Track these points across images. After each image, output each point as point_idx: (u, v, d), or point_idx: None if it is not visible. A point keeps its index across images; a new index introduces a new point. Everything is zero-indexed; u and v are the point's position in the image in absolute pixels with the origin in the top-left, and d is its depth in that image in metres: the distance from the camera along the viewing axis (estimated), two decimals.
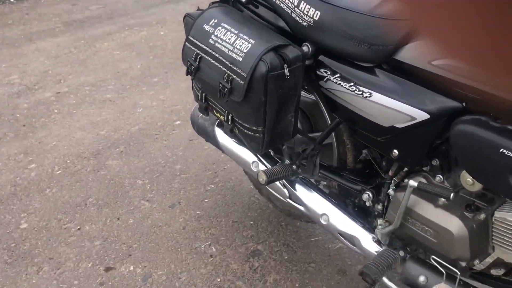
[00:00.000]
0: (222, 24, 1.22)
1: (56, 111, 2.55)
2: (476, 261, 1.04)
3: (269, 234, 1.68)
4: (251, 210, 1.80)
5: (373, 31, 1.04)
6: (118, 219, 1.76)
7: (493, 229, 0.99)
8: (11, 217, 1.77)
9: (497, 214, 0.98)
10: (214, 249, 1.62)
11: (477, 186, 0.97)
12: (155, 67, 3.12)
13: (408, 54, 0.99)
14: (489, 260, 1.10)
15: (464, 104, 0.92)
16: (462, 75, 0.89)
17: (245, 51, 1.13)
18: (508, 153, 0.83)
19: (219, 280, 1.49)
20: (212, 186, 1.94)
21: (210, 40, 1.22)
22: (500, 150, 0.84)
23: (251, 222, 1.74)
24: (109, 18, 4.07)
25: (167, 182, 1.96)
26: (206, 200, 1.85)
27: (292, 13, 1.17)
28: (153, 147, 2.22)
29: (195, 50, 1.26)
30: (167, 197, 1.88)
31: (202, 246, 1.63)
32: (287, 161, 1.35)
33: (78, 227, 1.72)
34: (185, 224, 1.73)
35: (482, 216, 0.99)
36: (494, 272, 1.09)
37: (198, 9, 1.36)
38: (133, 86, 2.85)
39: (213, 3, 1.42)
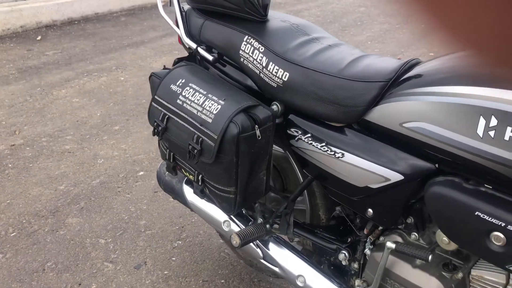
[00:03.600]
0: (190, 84, 1.20)
1: (10, 165, 2.41)
2: None
3: None
4: (221, 267, 1.73)
5: (342, 92, 1.04)
6: (80, 284, 1.64)
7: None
8: None
9: (474, 272, 0.98)
10: None
11: (453, 246, 0.97)
12: (116, 115, 3.05)
13: (379, 115, 1.00)
14: None
15: (436, 165, 0.93)
16: (433, 138, 0.90)
17: (214, 112, 1.12)
18: (484, 216, 0.84)
19: None
20: (180, 242, 1.87)
21: (178, 101, 1.19)
22: (476, 213, 0.85)
23: (222, 281, 1.67)
24: (67, 63, 3.98)
25: (131, 240, 1.87)
26: (174, 259, 1.77)
27: (261, 73, 1.17)
28: (115, 201, 2.13)
29: (162, 110, 1.23)
30: (132, 257, 1.78)
31: None
32: (260, 220, 1.31)
33: None
34: (152, 286, 1.64)
35: (460, 275, 0.99)
36: None
37: (164, 67, 1.34)
38: (93, 136, 2.76)
39: (178, 59, 1.41)
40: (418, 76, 0.97)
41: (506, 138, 0.78)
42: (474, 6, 0.25)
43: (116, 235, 1.89)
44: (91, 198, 2.15)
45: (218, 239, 1.84)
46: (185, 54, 1.43)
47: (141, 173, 2.36)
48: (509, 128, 0.78)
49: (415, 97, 0.93)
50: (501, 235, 0.82)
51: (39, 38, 4.65)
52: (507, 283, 0.93)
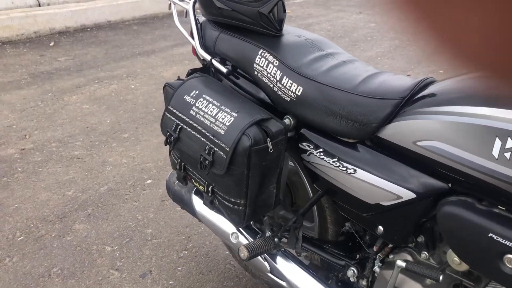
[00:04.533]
0: (204, 95, 1.20)
1: (19, 169, 2.43)
2: None
3: None
4: (227, 279, 1.73)
5: (356, 108, 1.05)
6: None
7: None
8: None
9: None
10: None
11: (464, 266, 0.96)
12: (126, 122, 3.07)
13: (392, 133, 1.00)
14: None
15: (450, 184, 0.93)
16: (447, 157, 0.89)
17: (227, 124, 1.12)
18: (498, 238, 0.83)
19: None
20: (186, 252, 1.86)
21: (191, 112, 1.20)
22: (489, 235, 0.84)
23: None
24: (78, 70, 4.02)
25: (137, 249, 1.87)
26: (180, 269, 1.77)
27: (274, 87, 1.17)
28: (122, 209, 2.13)
29: (175, 120, 1.24)
30: (138, 265, 1.78)
31: None
32: (268, 233, 1.31)
33: None
34: None
35: None
36: None
37: (178, 78, 1.35)
38: (102, 142, 2.78)
39: (192, 70, 1.42)
40: (432, 95, 0.97)
41: None
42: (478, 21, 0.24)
43: (122, 243, 1.90)
44: (99, 205, 2.15)
45: (225, 251, 1.83)
46: (198, 64, 1.45)
47: (149, 181, 2.37)
48: None
49: (430, 116, 0.93)
50: None
51: (52, 44, 4.71)
52: None
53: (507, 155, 0.80)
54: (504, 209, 0.87)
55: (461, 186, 0.91)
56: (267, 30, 1.23)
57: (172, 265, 1.78)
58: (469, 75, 0.94)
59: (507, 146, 0.79)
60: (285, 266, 1.27)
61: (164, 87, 1.32)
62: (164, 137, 1.29)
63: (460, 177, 0.89)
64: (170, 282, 1.70)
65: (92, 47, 4.68)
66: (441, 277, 0.95)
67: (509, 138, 0.79)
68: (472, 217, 0.87)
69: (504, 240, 0.82)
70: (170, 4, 1.49)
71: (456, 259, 0.96)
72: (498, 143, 0.81)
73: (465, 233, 0.89)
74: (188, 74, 1.41)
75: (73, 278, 1.70)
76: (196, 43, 1.38)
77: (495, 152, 0.81)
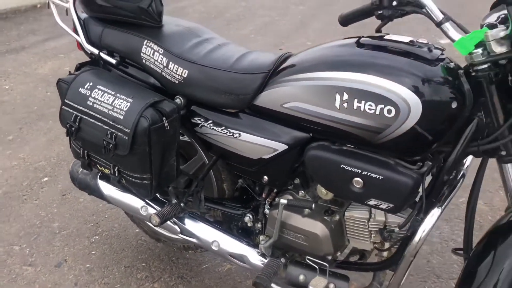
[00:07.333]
0: (98, 86, 1.33)
1: None
2: (338, 253, 1.33)
3: (163, 271, 1.79)
4: (140, 252, 1.88)
5: (233, 83, 1.27)
6: None
7: (346, 226, 1.29)
8: None
9: (347, 213, 1.27)
10: None
11: (330, 195, 1.26)
12: (7, 125, 2.95)
13: (264, 100, 1.24)
14: (347, 251, 1.40)
15: (310, 134, 1.20)
16: (306, 113, 1.16)
17: (125, 109, 1.27)
18: (347, 167, 1.13)
19: None
20: (97, 237, 1.96)
21: (88, 102, 1.32)
22: (341, 166, 1.13)
23: (143, 264, 1.82)
24: None
25: (47, 242, 1.92)
26: (93, 252, 1.88)
27: (163, 72, 1.35)
28: (23, 209, 2.14)
29: (74, 112, 1.34)
30: (51, 257, 1.84)
31: None
32: (174, 200, 1.50)
33: None
34: (76, 280, 1.73)
35: (337, 217, 1.28)
36: (352, 259, 1.40)
37: (70, 73, 1.44)
38: None
39: (80, 64, 1.52)
40: (291, 66, 1.23)
41: (355, 107, 1.07)
42: None
43: (30, 240, 1.93)
44: None
45: (134, 229, 1.97)
46: (75, 58, 1.55)
47: (45, 179, 2.38)
48: (355, 100, 1.07)
49: (290, 83, 1.18)
50: (360, 179, 1.12)
51: None
52: (370, 217, 1.23)
53: (345, 105, 1.08)
54: (352, 146, 1.16)
55: (319, 134, 1.19)
56: (148, 22, 1.39)
57: (85, 251, 1.88)
58: (319, 46, 1.22)
59: (343, 99, 1.08)
60: (192, 225, 1.48)
61: (57, 82, 1.41)
62: (51, 133, 1.39)
63: (317, 127, 1.16)
64: (87, 266, 1.80)
65: None
66: (313, 206, 1.24)
67: (344, 93, 1.08)
68: (328, 155, 1.16)
69: (351, 168, 1.12)
70: (48, 3, 1.55)
71: (323, 190, 1.25)
72: (338, 97, 1.09)
73: (326, 169, 1.17)
74: (77, 69, 1.50)
75: None
76: (81, 38, 1.48)
77: (337, 104, 1.09)
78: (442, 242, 1.89)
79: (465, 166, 1.21)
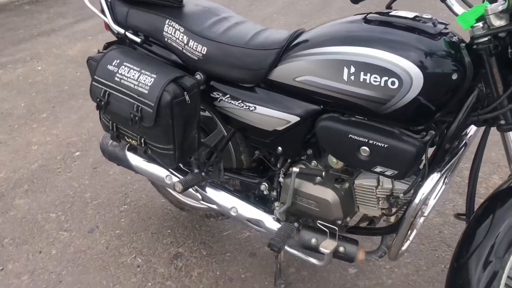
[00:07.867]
0: (124, 63, 1.43)
1: None
2: (348, 219, 1.41)
3: (187, 237, 1.92)
4: (166, 220, 2.01)
5: (249, 59, 1.35)
6: (40, 252, 1.84)
7: (356, 193, 1.37)
8: None
9: (356, 181, 1.36)
10: (140, 260, 1.80)
11: (340, 164, 1.34)
12: (41, 103, 3.13)
13: (278, 74, 1.32)
14: (356, 218, 1.49)
15: (321, 106, 1.28)
16: (316, 86, 1.24)
17: (149, 84, 1.37)
18: (354, 137, 1.20)
19: (150, 284, 1.69)
20: (126, 206, 2.11)
21: (116, 78, 1.43)
22: (349, 136, 1.21)
23: (169, 231, 1.95)
24: None
25: (80, 211, 2.08)
26: (123, 220, 2.02)
27: (183, 49, 1.44)
28: (58, 180, 2.30)
29: (103, 87, 1.46)
30: (84, 223, 2.00)
31: (128, 260, 1.80)
32: (196, 170, 1.61)
33: (1, 267, 1.76)
34: (107, 244, 1.88)
35: (347, 185, 1.36)
36: (361, 225, 1.49)
37: (99, 52, 1.55)
38: (22, 125, 2.84)
39: (108, 44, 1.63)
40: (303, 42, 1.30)
41: (361, 80, 1.14)
42: None
43: (65, 208, 2.09)
44: (33, 180, 2.29)
45: (160, 199, 2.11)
46: (102, 39, 1.66)
47: (77, 153, 2.53)
48: (362, 73, 1.14)
49: (302, 58, 1.26)
50: (366, 148, 1.19)
51: None
52: (378, 184, 1.31)
53: (352, 78, 1.15)
54: (361, 118, 1.24)
55: (329, 106, 1.27)
56: (170, 3, 1.48)
57: (115, 219, 2.03)
58: (329, 23, 1.29)
59: (351, 72, 1.15)
60: (213, 193, 1.59)
61: (87, 60, 1.52)
62: (82, 111, 1.50)
63: (327, 99, 1.24)
64: (117, 232, 1.95)
65: None
66: (323, 173, 1.32)
67: (351, 66, 1.15)
68: (338, 126, 1.24)
69: (358, 137, 1.20)
70: None
71: (334, 160, 1.34)
72: (345, 70, 1.16)
73: (335, 139, 1.25)
74: (105, 47, 1.62)
75: (26, 244, 1.88)
76: (108, 19, 1.59)
77: (345, 77, 1.17)
78: None
79: (468, 136, 1.27)
